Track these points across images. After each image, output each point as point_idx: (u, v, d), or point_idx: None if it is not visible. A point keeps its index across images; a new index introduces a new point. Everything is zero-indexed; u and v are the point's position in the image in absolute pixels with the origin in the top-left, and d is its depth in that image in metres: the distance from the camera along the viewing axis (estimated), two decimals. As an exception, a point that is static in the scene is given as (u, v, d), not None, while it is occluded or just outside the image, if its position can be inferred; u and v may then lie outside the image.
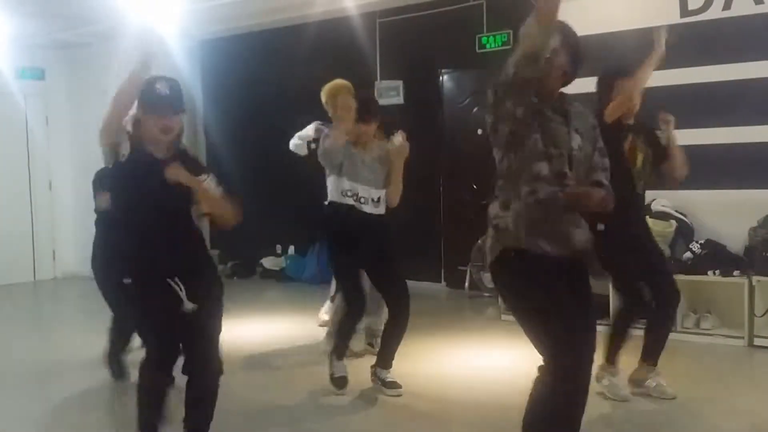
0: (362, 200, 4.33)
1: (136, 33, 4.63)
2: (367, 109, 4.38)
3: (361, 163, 4.34)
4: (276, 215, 8.27)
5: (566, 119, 2.77)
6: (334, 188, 4.37)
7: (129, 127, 3.05)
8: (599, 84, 4.17)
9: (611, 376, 4.14)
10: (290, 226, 8.45)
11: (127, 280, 3.20)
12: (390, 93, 7.90)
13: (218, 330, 3.22)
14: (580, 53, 2.79)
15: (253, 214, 7.35)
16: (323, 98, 5.26)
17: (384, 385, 4.36)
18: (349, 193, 4.32)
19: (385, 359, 4.43)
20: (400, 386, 4.31)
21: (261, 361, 5.05)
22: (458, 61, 7.64)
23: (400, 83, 7.87)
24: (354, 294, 4.40)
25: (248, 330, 6.12)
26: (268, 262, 8.93)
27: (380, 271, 4.46)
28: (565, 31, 2.77)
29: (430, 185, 7.68)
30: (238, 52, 9.03)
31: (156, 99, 2.99)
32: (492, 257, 2.75)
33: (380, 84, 7.98)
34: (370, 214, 4.35)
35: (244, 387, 4.62)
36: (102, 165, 3.26)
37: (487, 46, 7.21)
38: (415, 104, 7.77)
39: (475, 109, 7.50)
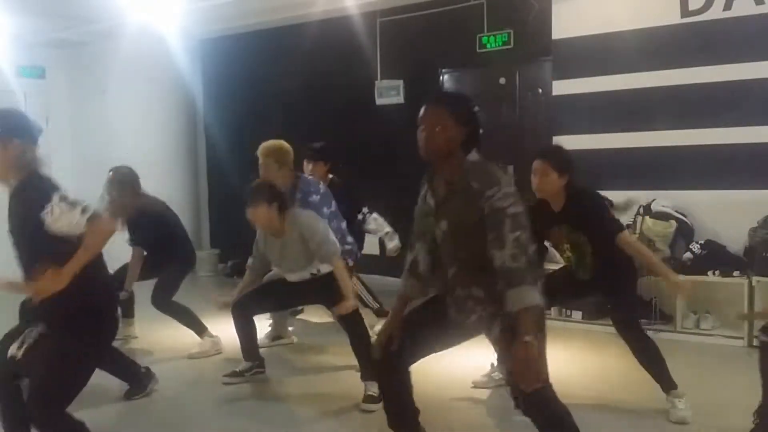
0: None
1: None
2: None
3: (278, 251, 4.64)
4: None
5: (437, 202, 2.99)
6: None
7: None
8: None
9: (677, 398, 3.96)
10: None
11: None
12: (390, 92, 7.91)
13: (39, 384, 2.96)
14: (477, 124, 2.99)
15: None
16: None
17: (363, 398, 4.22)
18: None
19: (361, 372, 4.38)
20: (375, 402, 4.03)
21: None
22: (458, 60, 7.64)
23: (400, 83, 7.87)
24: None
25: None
26: (267, 261, 8.91)
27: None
28: (460, 107, 3.01)
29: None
30: (239, 52, 9.04)
31: None
32: None
33: (380, 83, 7.98)
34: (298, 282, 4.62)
35: (241, 386, 4.64)
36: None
37: (488, 45, 7.22)
38: (416, 104, 7.69)
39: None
